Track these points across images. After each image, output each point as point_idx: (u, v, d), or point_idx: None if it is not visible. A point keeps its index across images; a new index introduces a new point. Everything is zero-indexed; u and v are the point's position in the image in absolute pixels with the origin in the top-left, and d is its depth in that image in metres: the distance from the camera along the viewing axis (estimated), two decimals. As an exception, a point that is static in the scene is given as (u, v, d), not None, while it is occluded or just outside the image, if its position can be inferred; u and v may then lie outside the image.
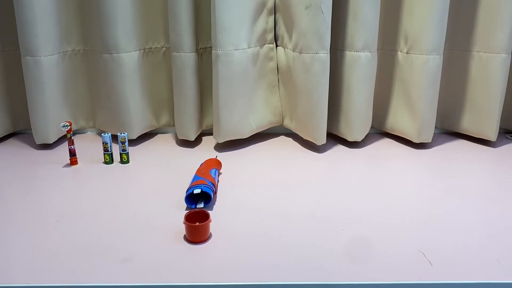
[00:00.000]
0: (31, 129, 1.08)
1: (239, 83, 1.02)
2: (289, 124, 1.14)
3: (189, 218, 0.71)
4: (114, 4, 0.99)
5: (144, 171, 0.97)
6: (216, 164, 0.92)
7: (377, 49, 1.04)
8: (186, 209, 0.80)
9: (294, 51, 1.03)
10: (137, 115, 1.09)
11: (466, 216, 0.78)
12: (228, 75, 1.00)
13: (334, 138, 1.13)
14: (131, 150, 1.05)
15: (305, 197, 0.85)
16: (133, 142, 1.11)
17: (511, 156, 1.05)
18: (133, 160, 1.01)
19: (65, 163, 1.00)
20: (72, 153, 0.98)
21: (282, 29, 1.07)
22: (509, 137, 1.16)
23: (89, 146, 1.09)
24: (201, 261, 0.66)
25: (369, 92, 1.05)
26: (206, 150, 1.08)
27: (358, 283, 0.61)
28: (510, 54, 1.02)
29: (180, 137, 1.10)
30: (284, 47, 1.08)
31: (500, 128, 1.12)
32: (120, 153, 1.00)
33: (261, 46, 1.07)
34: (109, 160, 0.99)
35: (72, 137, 0.97)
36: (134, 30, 1.04)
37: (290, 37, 1.04)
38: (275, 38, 1.10)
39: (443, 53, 1.02)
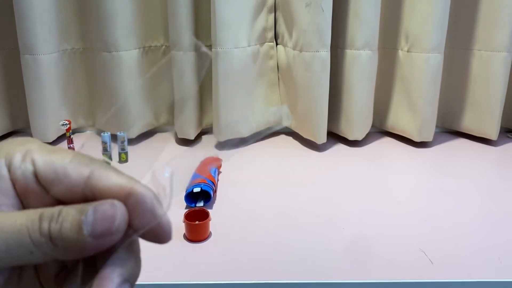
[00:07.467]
0: (30, 128, 1.07)
1: (239, 81, 1.02)
2: (289, 123, 1.14)
3: (188, 217, 0.70)
4: (113, 2, 0.99)
5: (143, 170, 0.96)
6: (216, 163, 0.92)
7: (378, 48, 1.03)
8: (185, 208, 0.79)
9: (294, 49, 1.02)
10: (136, 113, 1.09)
11: (467, 215, 0.78)
12: (228, 73, 1.00)
13: (335, 136, 1.12)
14: (130, 149, 1.04)
15: (305, 196, 0.84)
16: (132, 141, 1.10)
17: (512, 155, 1.05)
18: (132, 159, 1.01)
19: (64, 162, 0.99)
20: (71, 152, 0.98)
21: (282, 27, 1.07)
22: (510, 136, 1.15)
23: (88, 145, 1.08)
24: (200, 260, 0.65)
25: (369, 90, 1.05)
26: (206, 149, 1.07)
27: (358, 281, 0.61)
28: (511, 53, 1.02)
29: (179, 136, 1.09)
30: (284, 45, 1.07)
31: (501, 127, 1.11)
32: (119, 152, 0.99)
33: (261, 44, 1.06)
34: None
35: (71, 136, 0.97)
36: (133, 29, 1.04)
37: (290, 35, 1.03)
38: (275, 36, 1.09)
39: (444, 51, 1.02)
